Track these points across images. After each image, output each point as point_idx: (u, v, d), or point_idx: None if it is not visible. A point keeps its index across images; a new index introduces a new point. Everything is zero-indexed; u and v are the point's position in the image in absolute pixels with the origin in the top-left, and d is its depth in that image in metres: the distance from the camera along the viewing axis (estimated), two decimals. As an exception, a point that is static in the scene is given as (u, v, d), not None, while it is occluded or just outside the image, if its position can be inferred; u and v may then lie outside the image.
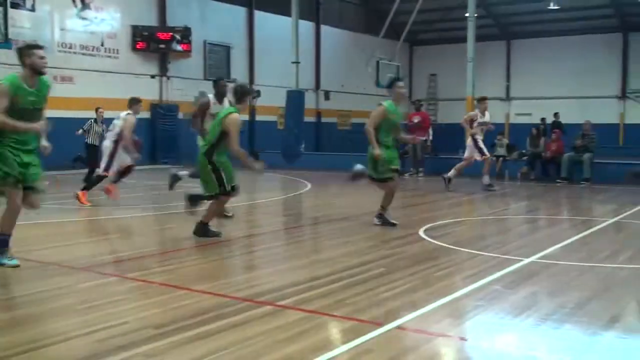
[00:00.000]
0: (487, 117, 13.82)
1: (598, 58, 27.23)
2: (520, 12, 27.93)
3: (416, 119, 18.50)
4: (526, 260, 6.51)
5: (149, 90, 20.93)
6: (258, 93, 23.18)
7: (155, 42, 20.98)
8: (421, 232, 8.13)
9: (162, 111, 21.37)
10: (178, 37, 21.21)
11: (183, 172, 9.80)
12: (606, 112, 26.68)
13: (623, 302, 5.20)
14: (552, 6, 24.78)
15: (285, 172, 17.80)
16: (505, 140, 19.02)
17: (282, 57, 21.75)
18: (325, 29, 27.19)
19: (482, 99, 14.02)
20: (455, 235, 8.40)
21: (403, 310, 4.67)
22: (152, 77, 21.53)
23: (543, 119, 22.97)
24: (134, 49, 20.77)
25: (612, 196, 13.16)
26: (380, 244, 7.46)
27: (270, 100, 23.36)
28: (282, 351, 3.83)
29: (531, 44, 28.60)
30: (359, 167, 8.83)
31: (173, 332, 4.12)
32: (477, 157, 13.63)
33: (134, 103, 11.30)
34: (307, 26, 25.16)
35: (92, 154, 13.90)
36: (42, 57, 5.95)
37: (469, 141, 13.76)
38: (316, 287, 5.33)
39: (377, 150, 8.37)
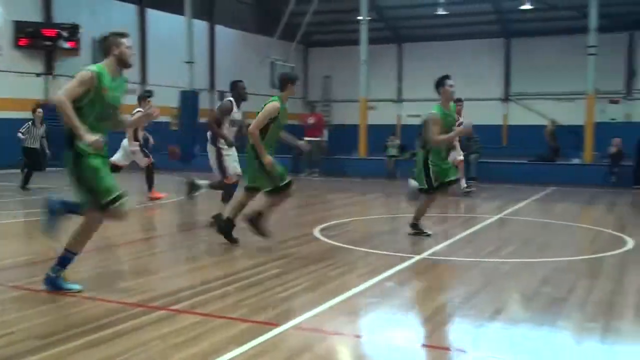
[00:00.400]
0: (462, 119, 13.66)
1: (483, 62, 28.45)
2: (411, 16, 28.76)
3: (311, 120, 18.70)
4: (417, 257, 6.73)
5: (34, 90, 19.96)
6: (150, 93, 22.61)
7: (40, 39, 20.03)
8: (316, 232, 8.22)
9: (48, 111, 20.42)
10: (65, 34, 20.34)
11: (203, 182, 9.24)
12: (492, 114, 27.92)
13: (506, 294, 5.49)
14: (440, 12, 25.68)
15: (179, 174, 17.46)
16: (397, 141, 19.55)
17: (176, 57, 21.36)
18: (219, 28, 26.91)
19: (458, 100, 13.87)
20: (349, 235, 8.55)
21: (299, 310, 4.71)
22: (37, 75, 20.55)
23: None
24: (17, 45, 19.75)
25: (497, 194, 13.81)
26: (275, 245, 7.48)
27: (164, 100, 22.81)
28: (176, 356, 3.77)
29: (422, 47, 29.49)
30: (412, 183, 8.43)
31: (60, 342, 3.96)
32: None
33: (142, 99, 11.50)
34: (201, 26, 24.81)
35: (32, 157, 13.27)
36: (129, 47, 5.24)
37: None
38: (211, 289, 5.28)
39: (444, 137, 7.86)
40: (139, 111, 10.90)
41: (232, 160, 8.70)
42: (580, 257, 6.95)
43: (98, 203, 5.04)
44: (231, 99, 8.68)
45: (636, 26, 25.39)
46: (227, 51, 27.07)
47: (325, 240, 7.74)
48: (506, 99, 28.88)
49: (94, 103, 5.02)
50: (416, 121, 26.82)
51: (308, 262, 6.43)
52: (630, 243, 7.66)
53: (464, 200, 13.30)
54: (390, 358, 4.00)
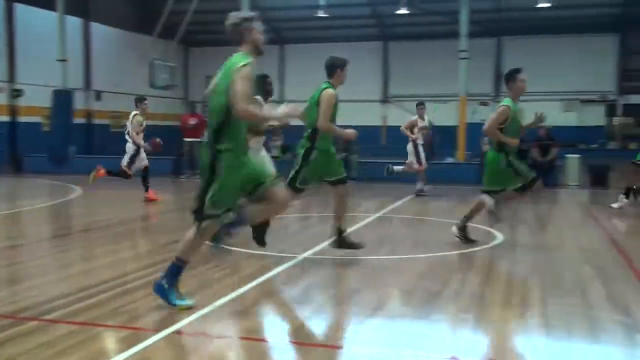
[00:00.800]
0: (425, 122, 14.04)
1: (363, 64, 29.10)
2: (292, 18, 28.99)
3: (192, 121, 18.39)
4: (300, 257, 6.79)
5: None
6: (20, 92, 21.51)
7: None
8: (199, 235, 8.09)
9: None
10: None
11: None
12: (372, 115, 28.69)
13: (386, 291, 5.64)
14: (321, 14, 26.05)
15: (52, 177, 16.69)
16: (279, 142, 19.64)
17: (48, 55, 20.37)
18: (95, 26, 25.92)
19: (421, 104, 14.26)
20: (233, 236, 8.48)
21: (181, 314, 4.62)
22: None
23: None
24: None
25: (376, 193, 14.18)
26: (156, 249, 7.31)
27: (35, 100, 21.79)
28: (50, 368, 3.60)
29: (303, 49, 29.79)
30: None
31: None
32: (415, 165, 13.69)
33: (138, 102, 11.69)
34: (75, 22, 23.79)
35: None
36: (261, 32, 4.82)
37: (409, 147, 13.83)
38: (88, 297, 5.08)
39: (514, 140, 7.31)
40: (135, 114, 11.59)
41: (267, 161, 8.44)
42: (454, 252, 7.27)
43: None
44: (257, 97, 8.33)
45: (503, 32, 26.90)
46: (104, 49, 26.13)
47: (209, 242, 7.62)
48: (385, 100, 29.73)
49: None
50: (299, 122, 27.15)
51: (191, 265, 6.31)
52: (499, 237, 8.10)
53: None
54: (275, 358, 4.02)
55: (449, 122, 22.10)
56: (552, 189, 15.54)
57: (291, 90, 29.92)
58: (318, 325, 4.58)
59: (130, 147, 11.67)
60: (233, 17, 4.84)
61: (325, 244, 7.62)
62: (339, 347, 4.17)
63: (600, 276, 6.07)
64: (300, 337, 4.35)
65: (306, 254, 6.95)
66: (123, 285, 5.51)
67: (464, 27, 18.63)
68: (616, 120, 27.42)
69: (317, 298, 5.25)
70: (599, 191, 14.62)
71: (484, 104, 26.76)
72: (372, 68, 29.34)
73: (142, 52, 22.54)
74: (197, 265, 6.35)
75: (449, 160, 19.35)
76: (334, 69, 6.76)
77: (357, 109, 27.89)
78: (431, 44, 27.39)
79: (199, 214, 4.77)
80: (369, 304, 5.03)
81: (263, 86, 8.36)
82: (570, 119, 25.55)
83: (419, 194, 13.58)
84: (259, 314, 4.85)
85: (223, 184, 4.66)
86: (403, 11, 24.82)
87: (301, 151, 6.67)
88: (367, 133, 21.32)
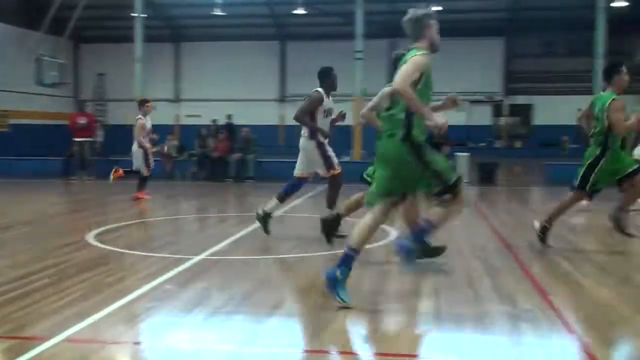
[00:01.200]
0: None
1: (261, 63, 29.07)
2: (189, 15, 28.55)
3: (82, 120, 17.73)
4: (197, 258, 6.70)
5: None
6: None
7: None
8: (90, 238, 7.83)
9: None
10: None
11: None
12: (269, 114, 28.68)
13: (284, 289, 5.68)
14: (217, 12, 25.79)
15: None
16: (175, 142, 19.33)
17: None
18: (-24, 19, 24.52)
19: None
20: (126, 239, 8.28)
21: (72, 320, 4.45)
22: None
23: (215, 120, 23.76)
24: None
25: (273, 192, 14.19)
26: (44, 254, 7.00)
27: None
28: None
29: (200, 47, 29.39)
30: None
31: None
32: None
33: (141, 104, 11.95)
34: (-47, 15, 22.44)
35: None
36: (438, 31, 4.91)
37: None
38: (-30, 306, 4.81)
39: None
40: (139, 118, 11.69)
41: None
42: (351, 250, 7.38)
43: (448, 184, 4.84)
44: (319, 89, 7.90)
45: (397, 34, 27.64)
46: (-15, 44, 24.76)
47: (101, 245, 7.40)
48: (282, 99, 29.81)
49: (424, 89, 4.79)
50: (195, 121, 26.73)
51: (82, 270, 6.12)
52: (392, 234, 8.31)
53: (242, 199, 13.54)
54: (170, 362, 3.96)
55: (345, 121, 22.46)
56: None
57: (187, 90, 29.49)
58: (215, 327, 4.54)
59: (137, 150, 11.74)
60: (414, 12, 4.95)
61: (223, 244, 7.58)
62: (237, 349, 4.15)
63: (488, 269, 6.35)
64: (197, 341, 4.30)
65: (203, 255, 6.87)
66: (10, 291, 5.24)
67: (359, 28, 18.99)
68: (502, 120, 28.79)
69: (215, 299, 5.20)
70: (487, 188, 15.30)
71: (380, 103, 27.39)
72: (270, 67, 29.34)
73: (28, 48, 21.50)
74: (88, 269, 6.15)
75: (346, 159, 19.65)
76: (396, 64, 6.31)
77: (255, 108, 27.85)
78: (328, 44, 27.68)
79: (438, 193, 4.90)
80: (266, 303, 5.04)
81: (330, 79, 8.02)
82: (459, 118, 26.55)
83: None
84: (154, 318, 4.74)
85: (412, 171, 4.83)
86: (300, 11, 25.00)
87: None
88: (264, 132, 21.24)
